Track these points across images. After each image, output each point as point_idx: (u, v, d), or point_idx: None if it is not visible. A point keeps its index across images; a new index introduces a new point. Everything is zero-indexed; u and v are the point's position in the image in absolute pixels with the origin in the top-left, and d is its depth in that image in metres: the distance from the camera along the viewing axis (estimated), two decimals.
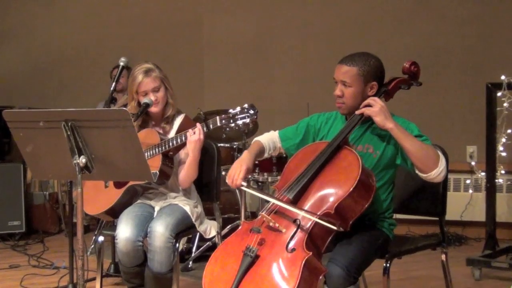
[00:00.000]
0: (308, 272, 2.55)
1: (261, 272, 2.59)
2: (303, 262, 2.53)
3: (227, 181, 2.92)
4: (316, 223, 2.65)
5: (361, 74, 2.86)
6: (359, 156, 2.75)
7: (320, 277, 2.61)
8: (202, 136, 3.28)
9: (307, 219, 2.67)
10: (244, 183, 2.88)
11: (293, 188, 2.78)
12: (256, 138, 3.16)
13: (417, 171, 2.79)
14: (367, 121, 2.91)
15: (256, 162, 4.85)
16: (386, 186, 2.96)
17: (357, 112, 2.84)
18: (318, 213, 2.67)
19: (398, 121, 2.85)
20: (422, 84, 3.05)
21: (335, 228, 2.62)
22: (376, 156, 2.90)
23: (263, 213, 2.77)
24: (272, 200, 2.76)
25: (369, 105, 2.81)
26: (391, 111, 2.91)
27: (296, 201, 2.75)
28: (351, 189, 2.66)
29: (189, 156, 3.35)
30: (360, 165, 2.70)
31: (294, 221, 2.70)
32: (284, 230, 2.68)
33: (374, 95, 2.88)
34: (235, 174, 2.89)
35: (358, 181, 2.67)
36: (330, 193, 2.72)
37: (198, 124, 3.29)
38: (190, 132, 3.27)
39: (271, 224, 2.70)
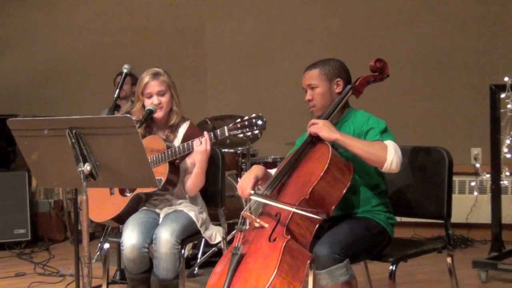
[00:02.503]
0: (291, 256, 2.61)
1: (247, 267, 2.67)
2: (283, 245, 2.60)
3: (239, 193, 3.05)
4: (295, 212, 2.74)
5: (323, 73, 3.06)
6: (330, 145, 2.87)
7: (308, 262, 2.66)
8: (208, 147, 3.28)
9: (287, 211, 2.76)
10: (252, 191, 2.95)
11: (270, 185, 2.90)
12: None
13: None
14: (340, 120, 3.07)
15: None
16: (373, 177, 3.02)
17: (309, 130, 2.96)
18: (295, 201, 2.77)
19: (362, 117, 3.01)
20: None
21: (316, 217, 2.74)
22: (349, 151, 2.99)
23: (245, 212, 2.86)
24: (283, 206, 2.80)
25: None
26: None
27: (275, 196, 2.88)
28: (322, 173, 2.78)
29: (196, 166, 3.36)
30: (330, 150, 2.83)
31: (276, 214, 2.80)
32: (267, 225, 2.77)
33: (341, 92, 3.05)
34: (244, 184, 2.99)
35: (329, 164, 2.79)
36: (304, 181, 2.83)
37: (206, 134, 3.29)
38: (196, 142, 3.27)
39: (254, 222, 2.80)
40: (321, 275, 2.71)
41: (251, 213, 2.98)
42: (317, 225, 2.80)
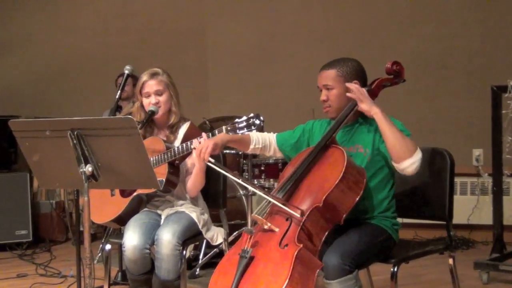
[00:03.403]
0: (302, 265, 2.58)
1: (256, 271, 2.64)
2: (295, 254, 2.57)
3: (194, 155, 3.06)
4: (307, 219, 2.71)
5: (340, 75, 2.97)
6: (345, 151, 2.82)
7: (317, 271, 2.64)
8: None
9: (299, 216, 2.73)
10: (212, 160, 2.98)
11: (283, 188, 2.86)
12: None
13: (392, 162, 2.82)
14: (354, 122, 3.01)
15: (262, 168, 4.86)
16: (383, 183, 2.98)
17: (348, 94, 2.89)
18: (307, 208, 2.73)
19: None
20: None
21: (297, 214, 2.70)
22: (366, 154, 2.94)
23: (255, 214, 2.83)
24: (239, 181, 2.85)
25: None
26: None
27: (287, 200, 2.82)
28: (337, 181, 2.72)
29: (195, 166, 3.36)
30: (345, 158, 2.77)
31: (287, 219, 2.76)
32: (277, 230, 2.73)
33: None
34: (203, 148, 3.00)
35: (344, 173, 2.73)
36: (318, 187, 2.78)
37: (203, 134, 3.29)
38: (195, 142, 3.26)
39: (263, 224, 2.76)
40: (331, 286, 2.69)
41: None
42: (327, 232, 2.76)
